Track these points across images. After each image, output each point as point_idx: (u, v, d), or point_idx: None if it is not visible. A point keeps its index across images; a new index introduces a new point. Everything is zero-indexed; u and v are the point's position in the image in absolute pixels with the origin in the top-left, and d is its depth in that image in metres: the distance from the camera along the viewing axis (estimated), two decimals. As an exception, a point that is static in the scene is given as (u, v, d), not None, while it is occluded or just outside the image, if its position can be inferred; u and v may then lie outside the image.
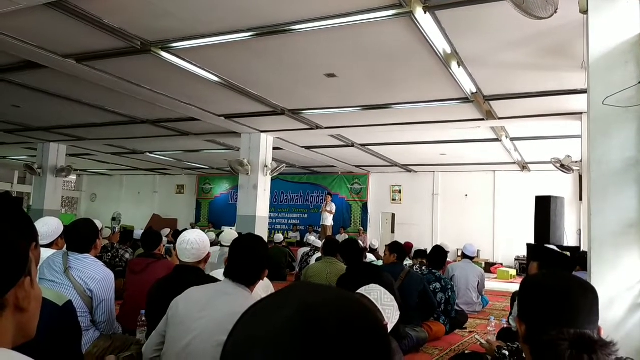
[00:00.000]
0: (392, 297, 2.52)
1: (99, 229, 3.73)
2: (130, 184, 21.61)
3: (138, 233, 8.42)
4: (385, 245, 5.76)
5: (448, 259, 6.76)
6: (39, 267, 2.40)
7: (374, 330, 0.57)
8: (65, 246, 3.23)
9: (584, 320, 1.19)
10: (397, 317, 2.51)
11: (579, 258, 5.26)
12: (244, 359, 0.55)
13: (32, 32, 5.47)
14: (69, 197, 22.26)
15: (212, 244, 7.61)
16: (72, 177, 21.94)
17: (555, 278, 1.29)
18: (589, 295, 1.24)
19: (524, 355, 1.81)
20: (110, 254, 6.99)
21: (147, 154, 15.17)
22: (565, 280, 1.27)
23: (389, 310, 2.44)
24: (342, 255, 4.84)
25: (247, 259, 2.29)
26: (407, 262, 7.31)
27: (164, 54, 5.93)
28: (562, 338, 1.15)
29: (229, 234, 6.15)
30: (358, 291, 2.56)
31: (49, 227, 3.35)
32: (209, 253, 3.05)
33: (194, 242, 2.94)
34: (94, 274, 3.05)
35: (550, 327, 1.18)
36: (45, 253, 3.06)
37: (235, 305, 2.10)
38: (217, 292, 2.27)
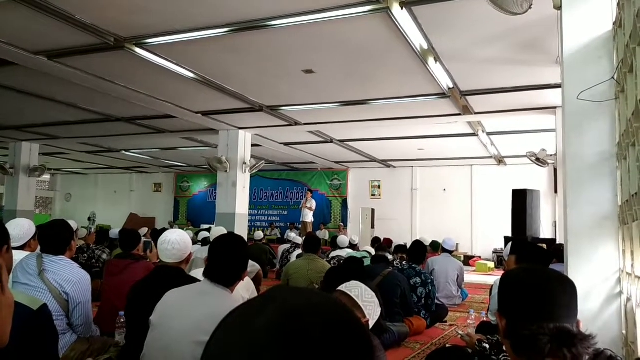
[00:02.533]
0: (373, 294, 2.52)
1: (74, 229, 3.65)
2: (106, 183, 21.25)
3: (115, 232, 8.25)
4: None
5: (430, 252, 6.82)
6: (12, 270, 2.33)
7: (356, 331, 0.57)
8: (40, 248, 3.16)
9: (563, 314, 1.20)
10: (379, 313, 2.52)
11: (555, 250, 5.36)
12: None
13: (1, 28, 5.31)
14: (43, 197, 21.80)
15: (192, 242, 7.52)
16: (46, 177, 21.48)
17: (534, 273, 1.31)
18: (568, 290, 1.25)
19: (504, 348, 1.84)
20: (86, 255, 6.85)
21: (123, 152, 14.93)
22: (544, 275, 1.28)
23: (370, 306, 2.45)
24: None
25: (227, 260, 2.26)
26: (389, 257, 7.33)
27: (138, 50, 5.82)
28: (542, 333, 1.17)
29: (219, 231, 6.01)
30: (339, 288, 2.56)
31: (20, 229, 3.27)
32: (190, 253, 3.01)
33: (175, 242, 2.89)
34: (69, 276, 3.00)
35: (530, 322, 1.20)
36: (18, 256, 2.99)
37: (215, 305, 2.08)
38: (196, 293, 2.24)
